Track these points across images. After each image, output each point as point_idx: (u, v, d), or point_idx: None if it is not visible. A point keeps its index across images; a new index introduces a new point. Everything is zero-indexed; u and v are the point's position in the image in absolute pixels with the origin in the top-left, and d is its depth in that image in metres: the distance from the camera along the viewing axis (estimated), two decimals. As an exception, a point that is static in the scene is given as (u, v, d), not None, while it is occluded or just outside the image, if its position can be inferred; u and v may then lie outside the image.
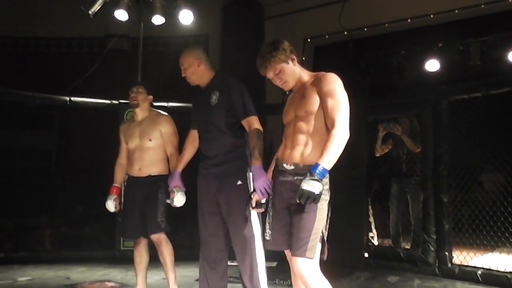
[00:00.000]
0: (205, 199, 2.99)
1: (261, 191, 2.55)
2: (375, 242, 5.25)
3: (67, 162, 7.16)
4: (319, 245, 2.30)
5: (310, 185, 2.15)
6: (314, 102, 2.33)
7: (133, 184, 3.48)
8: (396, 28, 6.36)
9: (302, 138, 2.36)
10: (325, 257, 2.35)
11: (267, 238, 2.47)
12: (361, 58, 6.25)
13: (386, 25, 6.43)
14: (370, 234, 5.18)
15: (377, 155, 5.19)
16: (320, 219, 2.28)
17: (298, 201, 2.18)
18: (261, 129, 2.87)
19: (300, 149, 2.35)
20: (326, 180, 2.31)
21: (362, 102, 5.22)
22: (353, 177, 5.07)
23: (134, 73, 5.38)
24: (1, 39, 7.96)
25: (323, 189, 2.20)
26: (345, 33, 6.53)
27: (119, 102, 5.36)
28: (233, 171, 2.90)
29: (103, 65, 6.25)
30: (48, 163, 7.58)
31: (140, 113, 3.55)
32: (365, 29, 6.49)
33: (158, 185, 3.38)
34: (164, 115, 3.56)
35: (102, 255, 5.32)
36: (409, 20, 6.23)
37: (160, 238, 3.38)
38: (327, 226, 2.37)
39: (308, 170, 2.21)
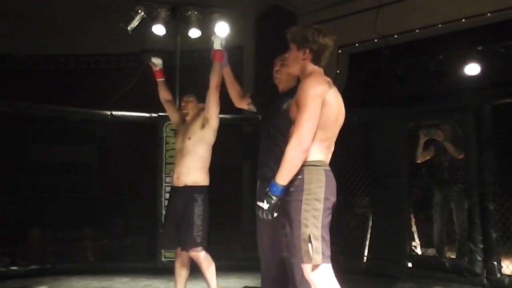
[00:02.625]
0: None
1: None
2: (419, 251, 5.15)
3: (107, 175, 7.31)
4: (321, 247, 2.12)
5: (259, 199, 2.18)
6: (293, 111, 2.24)
7: (172, 193, 3.48)
8: (432, 33, 6.29)
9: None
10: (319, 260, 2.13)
11: None
12: (397, 65, 6.22)
13: (422, 30, 6.35)
14: (413, 244, 5.09)
15: (418, 162, 5.10)
16: (305, 222, 2.13)
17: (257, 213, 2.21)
18: None
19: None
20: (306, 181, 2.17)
21: (401, 109, 5.20)
22: (394, 186, 5.02)
23: (172, 86, 5.43)
24: (43, 57, 8.27)
25: (271, 204, 2.15)
26: (379, 40, 6.52)
27: (158, 115, 5.41)
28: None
29: (141, 79, 6.21)
30: (89, 176, 7.74)
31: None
32: (400, 35, 6.45)
33: (193, 197, 3.31)
34: None
35: (144, 266, 5.38)
36: (444, 25, 6.16)
37: (197, 253, 3.30)
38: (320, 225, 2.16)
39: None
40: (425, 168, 5.23)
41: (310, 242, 2.10)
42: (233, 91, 3.37)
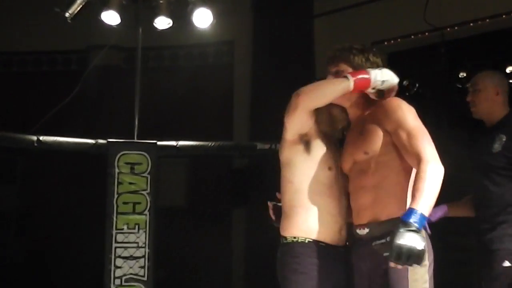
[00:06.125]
0: None
1: None
2: None
3: (31, 231, 7.20)
4: None
5: (408, 239, 2.22)
6: (376, 138, 2.58)
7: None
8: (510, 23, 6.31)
9: (367, 192, 2.57)
10: None
11: None
12: (459, 69, 6.21)
13: (493, 20, 6.39)
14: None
15: None
16: None
17: (393, 264, 2.28)
18: None
19: (367, 206, 2.56)
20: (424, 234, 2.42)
21: (465, 133, 5.13)
22: (460, 248, 5.10)
23: (129, 98, 5.51)
24: None
25: (425, 243, 2.28)
26: (432, 33, 6.51)
27: (108, 142, 5.34)
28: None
29: (86, 88, 6.25)
30: (4, 232, 7.64)
31: None
32: (463, 27, 6.44)
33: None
34: None
35: None
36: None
37: None
38: None
39: (390, 226, 2.36)
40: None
41: None
42: None
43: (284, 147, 2.83)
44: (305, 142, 2.79)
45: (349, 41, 2.85)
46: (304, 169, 2.79)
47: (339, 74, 2.69)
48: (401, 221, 2.28)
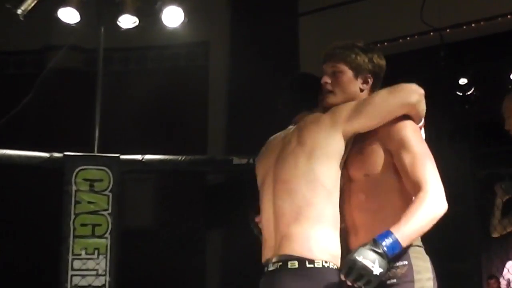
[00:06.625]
0: None
1: None
2: None
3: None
4: None
5: (368, 259, 2.21)
6: (377, 159, 2.57)
7: None
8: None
9: (363, 216, 2.57)
10: None
11: None
12: (459, 74, 6.30)
13: (497, 20, 6.54)
14: None
15: (495, 236, 5.09)
16: None
17: (343, 278, 2.28)
18: None
19: (366, 226, 2.54)
20: (422, 265, 2.45)
21: (465, 147, 5.30)
22: (456, 274, 4.98)
23: (90, 106, 5.44)
24: None
25: (384, 271, 2.25)
26: (430, 34, 6.60)
27: (64, 155, 5.24)
28: None
29: (40, 94, 6.16)
30: None
31: None
32: (465, 28, 6.53)
33: None
34: None
35: None
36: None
37: None
38: None
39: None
40: (506, 245, 5.48)
41: None
42: None
43: (330, 134, 2.63)
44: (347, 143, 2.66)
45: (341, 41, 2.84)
46: (337, 173, 2.62)
47: (335, 75, 2.68)
48: (372, 239, 2.27)
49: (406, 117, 2.57)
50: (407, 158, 2.48)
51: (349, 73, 2.69)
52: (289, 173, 2.63)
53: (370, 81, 2.71)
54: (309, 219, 2.55)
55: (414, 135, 2.54)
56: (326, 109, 2.71)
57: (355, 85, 2.69)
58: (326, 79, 2.70)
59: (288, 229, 2.56)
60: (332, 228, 2.56)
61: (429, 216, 2.36)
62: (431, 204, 2.37)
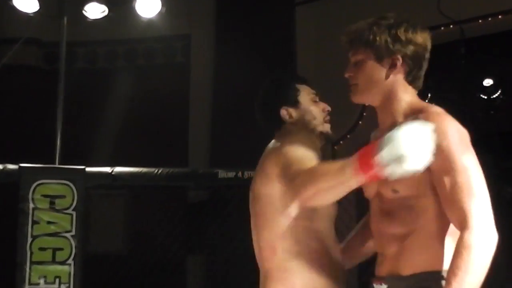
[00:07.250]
0: None
1: None
2: None
3: None
4: None
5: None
6: (412, 176, 2.24)
7: None
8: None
9: (390, 241, 2.45)
10: None
11: None
12: (483, 74, 6.26)
13: None
14: None
15: None
16: None
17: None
18: None
19: (389, 257, 2.46)
20: None
21: (491, 161, 5.14)
22: None
23: (50, 109, 5.38)
24: None
25: None
26: (449, 27, 6.56)
27: (20, 167, 5.18)
28: None
29: None
30: None
31: None
32: (489, 19, 6.48)
33: None
34: None
35: None
36: None
37: None
38: None
39: (413, 283, 2.32)
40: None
41: None
42: None
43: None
44: None
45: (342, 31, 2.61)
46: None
47: (357, 65, 2.48)
48: None
49: (449, 118, 2.34)
50: (448, 180, 2.27)
51: (370, 58, 2.46)
52: None
53: (400, 63, 2.41)
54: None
55: (459, 148, 2.29)
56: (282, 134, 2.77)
57: (380, 72, 2.44)
58: (347, 72, 2.53)
59: None
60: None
61: (480, 261, 2.21)
62: (480, 244, 2.21)
